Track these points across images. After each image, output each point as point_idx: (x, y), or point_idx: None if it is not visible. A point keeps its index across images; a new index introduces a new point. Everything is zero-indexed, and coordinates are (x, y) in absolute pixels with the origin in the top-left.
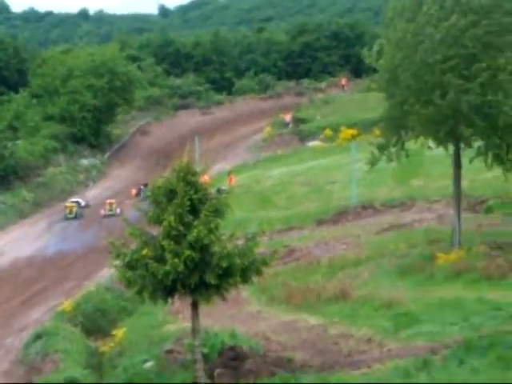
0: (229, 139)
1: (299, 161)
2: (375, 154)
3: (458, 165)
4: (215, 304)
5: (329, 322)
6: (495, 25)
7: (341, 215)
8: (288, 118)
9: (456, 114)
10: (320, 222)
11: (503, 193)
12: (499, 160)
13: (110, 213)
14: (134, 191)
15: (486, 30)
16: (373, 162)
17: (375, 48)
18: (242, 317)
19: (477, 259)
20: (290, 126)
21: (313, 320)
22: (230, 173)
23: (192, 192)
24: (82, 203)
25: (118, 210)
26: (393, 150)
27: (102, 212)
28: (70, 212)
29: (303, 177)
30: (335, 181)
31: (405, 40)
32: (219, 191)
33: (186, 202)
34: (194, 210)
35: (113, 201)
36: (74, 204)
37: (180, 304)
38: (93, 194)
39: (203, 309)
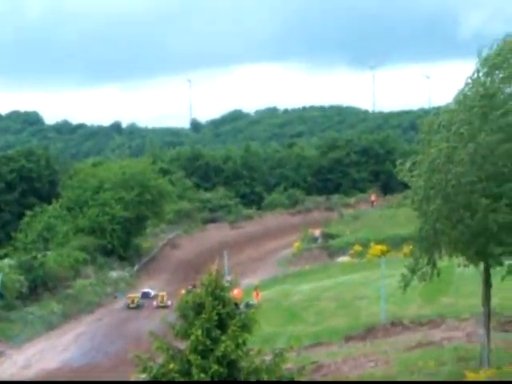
0: (258, 253)
1: (328, 276)
2: (407, 276)
3: (487, 283)
4: None
5: None
6: None
7: (369, 331)
8: (317, 232)
9: (486, 233)
10: (348, 339)
11: None
12: None
13: (162, 304)
14: (183, 291)
15: None
16: (405, 285)
17: (408, 164)
18: None
19: (506, 379)
20: (320, 241)
21: None
22: (256, 288)
23: (220, 307)
24: (151, 293)
25: (169, 302)
26: (425, 269)
27: (155, 303)
28: (132, 302)
29: (332, 292)
30: (364, 297)
31: (439, 161)
32: (247, 306)
33: (214, 317)
34: (222, 325)
35: (164, 293)
36: (136, 295)
37: None
38: (122, 305)
39: None
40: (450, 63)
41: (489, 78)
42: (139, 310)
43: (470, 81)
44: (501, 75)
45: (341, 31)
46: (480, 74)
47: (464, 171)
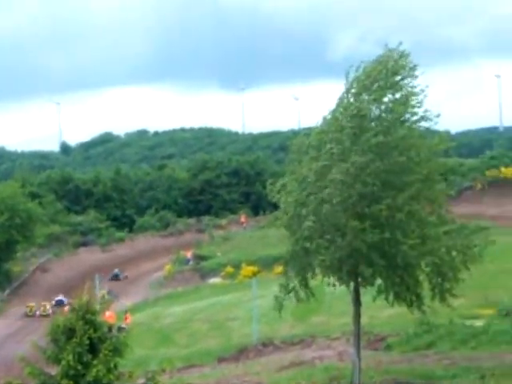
0: (130, 276)
1: (200, 298)
2: (279, 297)
3: (357, 302)
4: None
5: None
6: (393, 164)
7: (242, 352)
8: (189, 254)
9: (355, 254)
10: (221, 360)
11: (402, 330)
12: (400, 298)
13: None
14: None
15: (385, 168)
16: (279, 307)
17: (278, 184)
18: None
19: None
20: (191, 262)
21: None
22: (126, 311)
23: (91, 331)
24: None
25: (50, 311)
26: (298, 290)
27: (37, 313)
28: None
29: (204, 314)
30: (236, 318)
31: (308, 179)
32: (119, 329)
33: (85, 341)
34: (93, 349)
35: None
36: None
37: None
38: None
39: None
40: (319, 84)
41: (359, 99)
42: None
43: (340, 102)
44: (371, 96)
45: (212, 53)
46: (349, 95)
47: (335, 191)
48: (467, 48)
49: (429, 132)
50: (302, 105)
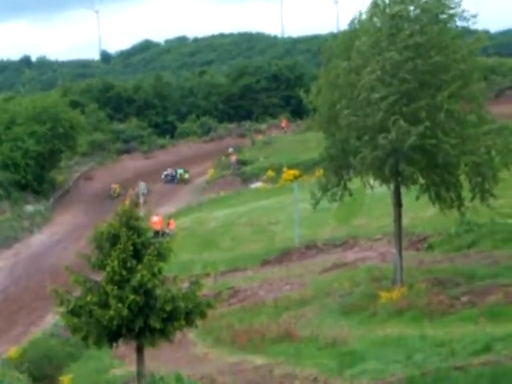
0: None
1: (242, 202)
2: (316, 194)
3: (398, 203)
4: (161, 347)
5: (274, 363)
6: (430, 64)
7: (284, 255)
8: (233, 158)
9: (397, 153)
10: (264, 263)
11: (443, 230)
12: (441, 198)
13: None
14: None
15: (422, 68)
16: (315, 202)
17: (313, 88)
18: (188, 359)
19: (418, 296)
20: (235, 167)
21: (258, 361)
22: (170, 217)
23: (135, 236)
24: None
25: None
26: (335, 189)
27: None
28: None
29: (246, 218)
30: (278, 221)
31: (339, 78)
32: (163, 234)
33: (130, 247)
34: (138, 255)
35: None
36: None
37: (126, 348)
38: (39, 239)
39: (149, 352)
40: None
41: (393, 1)
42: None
43: (374, 3)
44: None
45: None
46: None
47: (372, 86)
48: None
49: (467, 31)
50: (341, 8)
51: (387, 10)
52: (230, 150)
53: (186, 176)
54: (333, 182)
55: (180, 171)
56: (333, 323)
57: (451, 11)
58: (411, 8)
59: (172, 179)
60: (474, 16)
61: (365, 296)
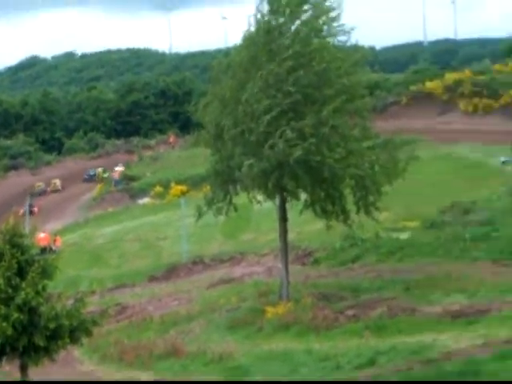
0: (60, 198)
1: (130, 218)
2: (202, 207)
3: (283, 218)
4: (46, 365)
5: (161, 379)
6: (313, 74)
7: (172, 271)
8: (116, 175)
9: (281, 167)
10: (152, 279)
11: (329, 244)
12: (326, 212)
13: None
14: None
15: (305, 82)
16: (199, 215)
17: (202, 104)
18: (74, 377)
19: (304, 311)
20: (118, 183)
21: (145, 377)
22: (55, 234)
23: (19, 254)
24: None
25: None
26: (221, 204)
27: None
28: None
29: (134, 234)
30: (166, 237)
31: (228, 95)
32: (50, 251)
33: (14, 265)
34: (22, 272)
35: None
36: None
37: (10, 367)
38: None
39: (35, 370)
40: (247, 3)
41: (274, 16)
42: None
43: (253, 19)
44: (286, 12)
45: None
46: (264, 13)
47: (257, 98)
48: None
49: (350, 47)
50: (229, 24)
51: (266, 24)
52: (118, 166)
53: (106, 175)
54: (219, 196)
55: (99, 170)
56: (220, 338)
57: (333, 24)
58: (290, 22)
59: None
60: (353, 29)
61: (251, 311)
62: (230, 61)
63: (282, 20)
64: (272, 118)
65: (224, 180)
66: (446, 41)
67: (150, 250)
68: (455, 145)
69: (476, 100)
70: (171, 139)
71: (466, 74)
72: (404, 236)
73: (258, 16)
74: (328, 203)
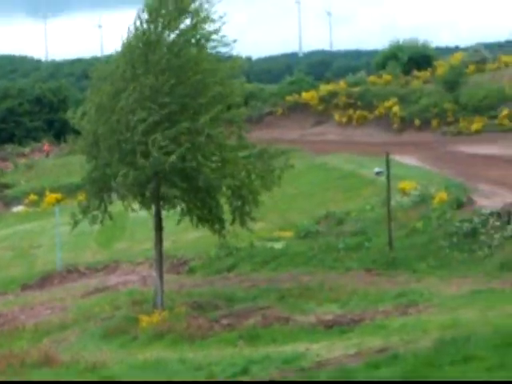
0: None
1: (4, 226)
2: (77, 215)
3: (159, 227)
4: None
5: None
6: (189, 86)
7: (46, 279)
8: None
9: (158, 175)
10: (25, 287)
11: (204, 253)
12: (203, 221)
13: None
14: None
15: (181, 91)
16: (75, 224)
17: (80, 111)
18: None
19: (178, 320)
20: None
21: None
22: None
23: None
24: None
25: None
26: (96, 212)
27: None
28: None
29: (8, 242)
30: (40, 245)
31: (104, 102)
32: None
33: None
34: None
35: None
36: None
37: None
38: None
39: None
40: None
41: (150, 25)
42: None
43: (132, 28)
44: (164, 22)
45: None
46: (142, 21)
47: (132, 109)
48: None
49: (227, 57)
50: (105, 32)
51: (142, 34)
52: None
53: None
54: (94, 204)
55: None
56: (94, 347)
57: (211, 36)
58: (167, 33)
59: None
60: (234, 41)
61: (126, 320)
62: (109, 69)
63: (160, 30)
64: (146, 127)
65: (99, 188)
66: (322, 52)
67: (23, 259)
68: (330, 155)
69: (350, 111)
70: (45, 147)
71: (340, 85)
72: (278, 246)
73: (138, 24)
74: (204, 212)
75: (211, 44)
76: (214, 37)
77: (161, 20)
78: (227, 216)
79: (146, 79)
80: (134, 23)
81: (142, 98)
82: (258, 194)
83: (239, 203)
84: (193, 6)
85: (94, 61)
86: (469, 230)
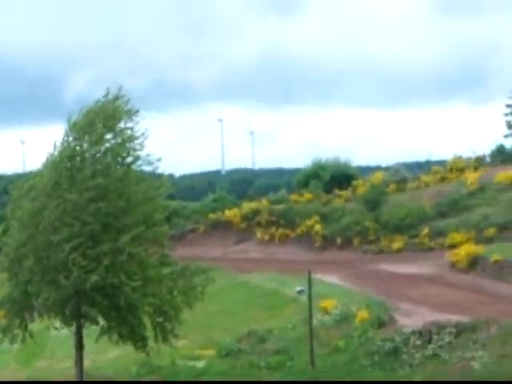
0: None
1: None
2: None
3: (80, 345)
4: None
5: None
6: (113, 206)
7: None
8: None
9: (78, 293)
10: None
11: (125, 371)
12: (124, 338)
13: None
14: None
15: (105, 210)
16: None
17: (1, 228)
18: None
19: None
20: None
21: None
22: None
23: None
24: None
25: None
26: (17, 331)
27: None
28: None
29: None
30: None
31: (27, 218)
32: None
33: None
34: None
35: None
36: None
37: None
38: None
39: None
40: (49, 127)
41: (78, 142)
42: None
43: (58, 144)
44: (90, 139)
45: None
46: (69, 138)
47: (55, 227)
48: (195, 91)
49: (151, 175)
50: (28, 147)
51: (68, 151)
52: None
53: None
54: (14, 324)
55: None
56: None
57: (136, 153)
58: (95, 150)
59: None
60: (159, 160)
61: None
62: (31, 185)
63: (85, 146)
64: (71, 247)
65: (21, 307)
66: (244, 170)
67: None
68: (252, 273)
69: (273, 229)
70: None
71: (263, 203)
72: (200, 364)
73: (65, 138)
74: (125, 329)
75: (135, 162)
76: (138, 153)
77: (87, 138)
78: (149, 333)
79: (69, 194)
80: (63, 138)
81: (65, 214)
82: (180, 311)
83: (161, 320)
84: (119, 126)
85: (15, 177)
86: (390, 349)
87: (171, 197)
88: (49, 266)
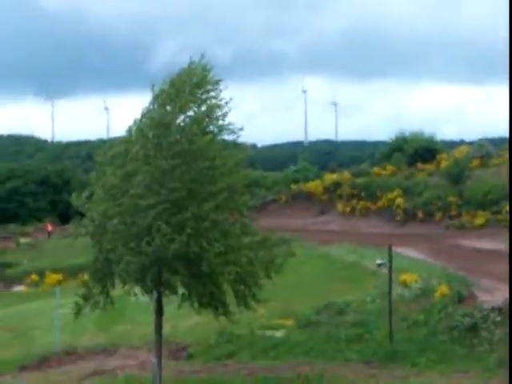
0: None
1: (3, 306)
2: (79, 303)
3: (159, 312)
4: None
5: None
6: (198, 172)
7: (44, 361)
8: None
9: (160, 261)
10: (22, 369)
11: (203, 340)
12: (205, 306)
13: None
14: None
15: (190, 177)
16: (77, 312)
17: (85, 193)
18: None
19: None
20: None
21: None
22: None
23: None
24: None
25: None
26: (97, 298)
27: None
28: None
29: (6, 322)
30: (39, 326)
31: (114, 186)
32: None
33: None
34: None
35: None
36: None
37: None
38: None
39: None
40: (134, 94)
41: (163, 109)
42: None
43: (145, 112)
44: (175, 108)
45: (28, 60)
46: (155, 106)
47: (141, 194)
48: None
49: (233, 144)
50: (112, 114)
51: (154, 119)
52: None
53: None
54: (96, 290)
55: None
56: None
57: (219, 123)
58: (180, 117)
59: None
60: (241, 129)
61: None
62: (117, 151)
63: (171, 114)
64: (156, 213)
65: (103, 273)
66: (327, 142)
67: (21, 339)
68: (332, 245)
69: (354, 202)
70: (48, 227)
71: (344, 175)
72: (279, 334)
73: (151, 107)
74: (206, 297)
75: (220, 129)
76: (221, 123)
77: (173, 106)
78: (231, 299)
79: (158, 162)
80: (148, 107)
81: (153, 180)
82: (261, 279)
83: (242, 287)
84: (204, 95)
85: (99, 143)
86: (470, 325)
87: (253, 167)
88: (132, 232)
